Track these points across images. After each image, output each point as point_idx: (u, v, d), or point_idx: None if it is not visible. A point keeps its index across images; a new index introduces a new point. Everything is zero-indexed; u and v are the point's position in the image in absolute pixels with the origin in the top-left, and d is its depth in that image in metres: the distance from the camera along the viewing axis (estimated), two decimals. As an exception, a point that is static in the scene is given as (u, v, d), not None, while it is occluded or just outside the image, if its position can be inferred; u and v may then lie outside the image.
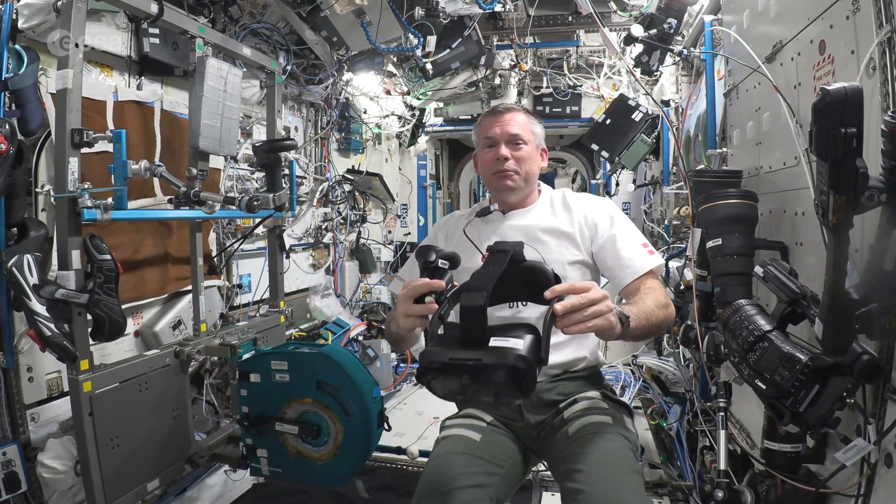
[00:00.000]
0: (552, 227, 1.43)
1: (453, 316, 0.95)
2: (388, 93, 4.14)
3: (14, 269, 1.57)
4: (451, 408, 1.49)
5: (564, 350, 1.39)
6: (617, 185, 4.20)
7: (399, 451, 2.48)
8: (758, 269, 1.23)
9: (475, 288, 0.90)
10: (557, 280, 0.98)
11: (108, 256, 1.68)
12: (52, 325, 1.57)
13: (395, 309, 1.09)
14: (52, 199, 1.72)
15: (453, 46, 2.97)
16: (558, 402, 1.36)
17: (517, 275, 0.99)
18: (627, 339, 1.10)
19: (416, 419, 3.12)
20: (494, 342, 0.86)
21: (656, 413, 2.76)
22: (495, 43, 3.61)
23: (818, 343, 1.02)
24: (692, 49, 2.39)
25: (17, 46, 1.69)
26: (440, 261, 1.05)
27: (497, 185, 1.47)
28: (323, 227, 3.73)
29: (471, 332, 0.87)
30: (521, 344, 0.85)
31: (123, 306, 1.78)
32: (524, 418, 1.36)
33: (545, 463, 1.42)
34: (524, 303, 1.36)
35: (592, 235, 1.41)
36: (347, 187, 4.00)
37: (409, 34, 2.82)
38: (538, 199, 1.52)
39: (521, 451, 1.35)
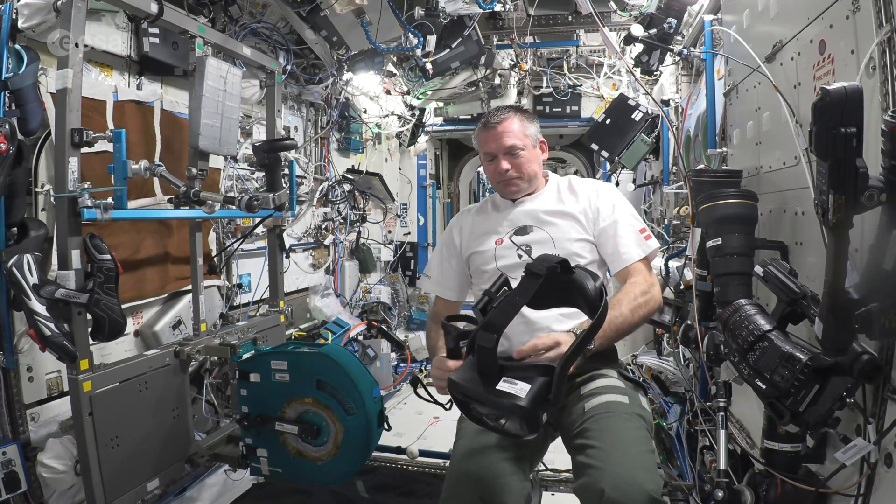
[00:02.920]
0: (559, 209, 1.54)
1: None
2: (388, 92, 4.14)
3: (14, 268, 1.57)
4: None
5: (572, 324, 1.41)
6: (617, 184, 4.19)
7: (399, 450, 2.48)
8: (758, 269, 1.23)
9: (490, 328, 0.97)
10: (600, 298, 1.03)
11: (108, 256, 1.68)
12: (52, 325, 1.57)
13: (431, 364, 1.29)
14: (52, 199, 1.72)
15: (453, 46, 2.97)
16: (573, 376, 1.42)
17: (561, 285, 1.06)
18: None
19: (416, 419, 3.12)
20: (503, 385, 0.95)
21: (656, 413, 2.75)
22: (495, 43, 3.61)
23: (818, 343, 1.02)
24: (692, 49, 2.39)
25: (17, 46, 1.69)
26: (461, 342, 1.15)
27: (504, 192, 1.62)
28: (323, 226, 3.73)
29: (484, 367, 0.98)
30: (525, 391, 0.93)
31: (123, 306, 1.78)
32: None
33: (545, 466, 1.45)
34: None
35: (595, 219, 1.52)
36: (347, 187, 4.00)
37: (409, 34, 2.82)
38: (546, 185, 1.63)
39: None
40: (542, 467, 1.82)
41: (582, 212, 1.52)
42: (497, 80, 3.98)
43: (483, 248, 1.57)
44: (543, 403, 0.92)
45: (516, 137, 1.53)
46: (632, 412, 1.26)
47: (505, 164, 1.53)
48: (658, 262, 2.33)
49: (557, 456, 1.55)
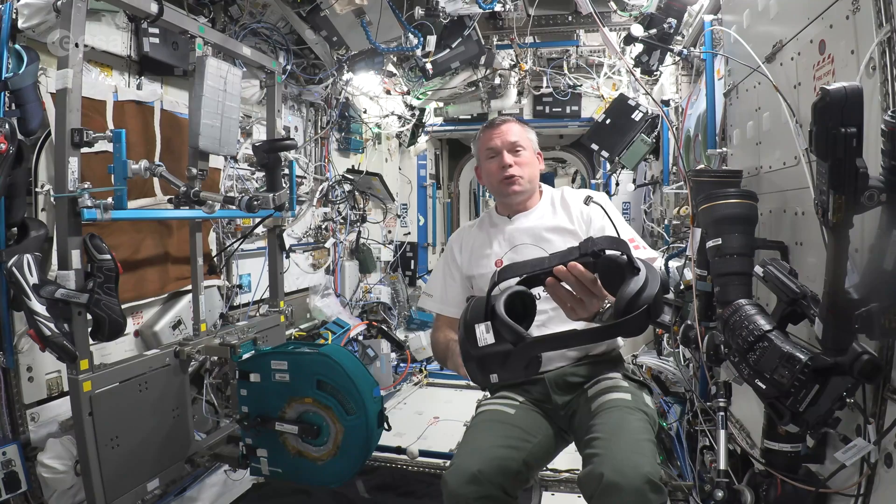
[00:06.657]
0: (555, 225, 1.54)
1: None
2: (388, 93, 4.14)
3: (14, 268, 1.57)
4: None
5: None
6: (617, 184, 4.20)
7: (399, 450, 2.48)
8: (758, 269, 1.23)
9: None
10: (630, 264, 1.02)
11: (108, 256, 1.68)
12: (52, 325, 1.57)
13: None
14: (52, 199, 1.72)
15: (453, 46, 2.97)
16: (582, 383, 1.47)
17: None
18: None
19: (416, 419, 3.12)
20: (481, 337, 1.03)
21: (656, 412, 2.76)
22: (495, 43, 3.61)
23: (818, 343, 1.02)
24: (692, 49, 2.39)
25: (17, 46, 1.69)
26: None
27: (505, 191, 1.58)
28: (323, 227, 3.73)
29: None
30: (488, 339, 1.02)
31: (123, 306, 1.78)
32: (551, 400, 1.46)
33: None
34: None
35: (588, 228, 1.53)
36: (347, 187, 4.00)
37: (409, 34, 2.82)
38: (540, 200, 1.63)
39: (552, 427, 1.45)
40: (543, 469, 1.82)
41: (577, 224, 1.54)
42: (497, 80, 3.98)
43: (484, 271, 1.56)
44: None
45: (519, 136, 1.58)
46: (634, 407, 1.31)
47: (508, 159, 1.55)
48: (658, 262, 2.32)
49: (557, 456, 1.55)
